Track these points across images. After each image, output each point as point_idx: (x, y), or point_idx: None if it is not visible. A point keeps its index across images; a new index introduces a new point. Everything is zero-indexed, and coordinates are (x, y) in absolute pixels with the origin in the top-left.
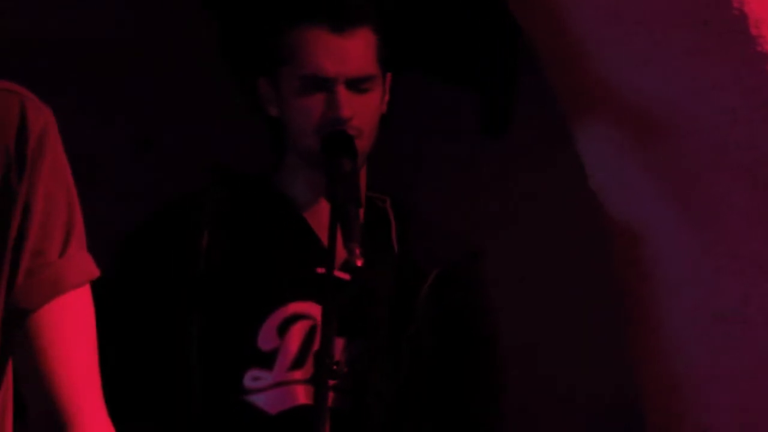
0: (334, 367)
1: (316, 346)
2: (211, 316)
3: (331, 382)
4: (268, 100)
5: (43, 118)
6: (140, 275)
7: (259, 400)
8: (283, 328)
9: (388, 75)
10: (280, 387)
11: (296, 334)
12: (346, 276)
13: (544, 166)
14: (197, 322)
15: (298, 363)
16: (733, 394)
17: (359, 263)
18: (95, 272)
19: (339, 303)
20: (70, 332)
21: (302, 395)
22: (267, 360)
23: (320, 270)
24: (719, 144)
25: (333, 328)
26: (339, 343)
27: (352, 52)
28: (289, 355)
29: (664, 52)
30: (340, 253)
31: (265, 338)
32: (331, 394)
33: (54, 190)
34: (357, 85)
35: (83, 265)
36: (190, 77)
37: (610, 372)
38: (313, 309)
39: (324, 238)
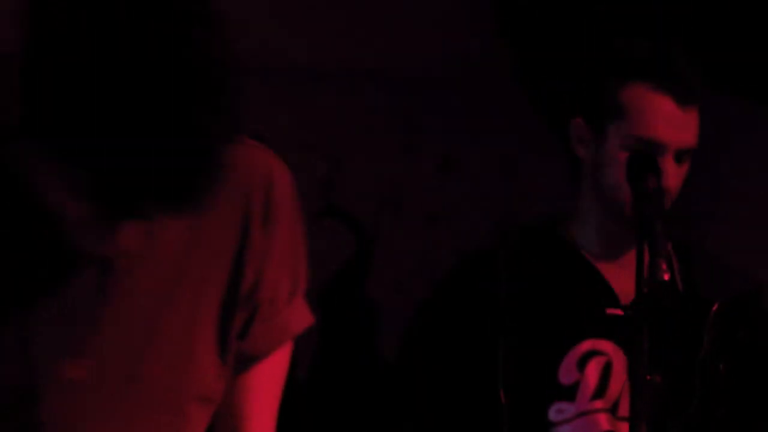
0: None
1: (612, 379)
2: (514, 358)
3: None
4: (581, 142)
5: (287, 175)
6: (449, 323)
7: (565, 431)
8: (582, 363)
9: None
10: (583, 417)
11: (594, 367)
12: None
13: None
14: (502, 364)
15: (598, 393)
16: None
17: (666, 277)
18: (312, 320)
19: (640, 343)
20: (275, 377)
21: (605, 422)
22: (569, 393)
23: (611, 311)
24: None
25: (645, 365)
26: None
27: (689, 126)
28: (589, 386)
29: None
30: (628, 292)
31: (566, 373)
32: (628, 425)
33: (288, 242)
34: (682, 156)
35: (305, 314)
36: (490, 97)
37: None
38: (607, 346)
39: (612, 282)
